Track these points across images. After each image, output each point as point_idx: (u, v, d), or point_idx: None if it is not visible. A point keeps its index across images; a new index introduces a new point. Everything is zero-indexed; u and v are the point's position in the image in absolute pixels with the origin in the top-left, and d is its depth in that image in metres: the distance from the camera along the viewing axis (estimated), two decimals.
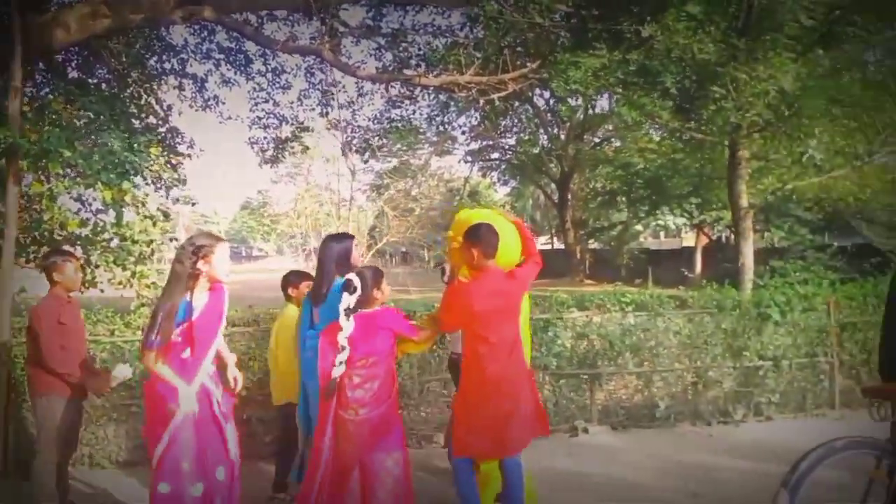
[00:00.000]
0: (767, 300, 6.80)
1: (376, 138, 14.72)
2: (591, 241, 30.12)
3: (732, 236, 23.31)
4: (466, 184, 32.78)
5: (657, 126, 9.67)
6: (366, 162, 15.40)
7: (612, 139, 23.28)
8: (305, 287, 4.68)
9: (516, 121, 22.71)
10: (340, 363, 3.64)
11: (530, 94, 14.80)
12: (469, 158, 26.40)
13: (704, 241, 25.00)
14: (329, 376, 3.64)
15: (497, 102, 12.36)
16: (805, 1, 6.60)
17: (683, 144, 10.51)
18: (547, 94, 17.03)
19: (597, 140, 24.64)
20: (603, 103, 18.19)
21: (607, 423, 6.40)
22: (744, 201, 8.82)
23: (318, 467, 3.65)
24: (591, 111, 19.92)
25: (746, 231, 8.75)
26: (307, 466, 3.82)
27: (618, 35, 7.04)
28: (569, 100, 9.23)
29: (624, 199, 21.96)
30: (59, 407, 4.03)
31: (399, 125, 14.99)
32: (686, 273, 21.87)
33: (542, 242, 46.54)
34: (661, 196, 18.47)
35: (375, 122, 14.73)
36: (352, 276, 3.77)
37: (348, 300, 3.67)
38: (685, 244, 29.96)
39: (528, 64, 8.98)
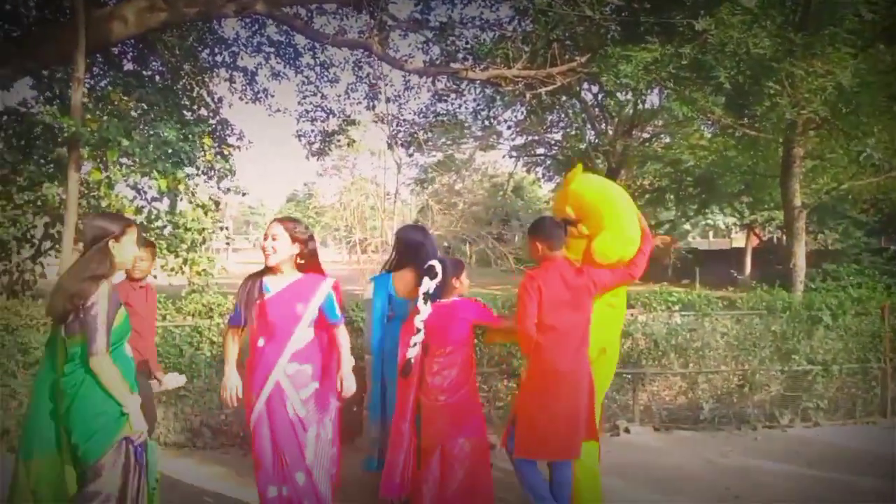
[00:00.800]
0: (819, 303, 6.61)
1: (422, 132, 14.79)
2: None
3: (784, 237, 22.70)
4: (511, 179, 32.63)
5: (709, 122, 9.45)
6: (411, 156, 15.51)
7: (662, 135, 22.84)
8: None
9: (563, 116, 22.48)
10: (415, 344, 3.81)
11: (578, 88, 14.65)
12: (514, 153, 26.22)
13: (755, 241, 24.40)
14: (405, 357, 3.82)
15: (544, 97, 12.29)
16: None
17: (736, 141, 10.24)
18: (595, 89, 16.82)
19: (646, 136, 24.20)
20: (653, 99, 17.87)
21: (650, 424, 6.32)
22: (797, 201, 8.57)
23: (399, 450, 3.80)
24: (640, 106, 19.53)
25: (799, 232, 8.50)
26: (386, 453, 3.93)
27: (670, 28, 6.91)
28: (618, 94, 9.09)
29: (672, 196, 21.56)
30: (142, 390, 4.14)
31: (444, 119, 15.04)
32: (735, 274, 21.38)
33: None
34: (711, 194, 18.06)
35: (421, 115, 14.85)
36: (434, 262, 3.92)
37: (428, 285, 3.85)
38: (735, 245, 29.29)
39: (577, 58, 8.90)
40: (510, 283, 19.56)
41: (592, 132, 24.58)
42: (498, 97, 17.08)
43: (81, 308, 2.92)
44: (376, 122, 14.65)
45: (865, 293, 7.02)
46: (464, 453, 3.75)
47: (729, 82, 6.59)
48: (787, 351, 6.62)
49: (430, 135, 16.67)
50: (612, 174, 25.72)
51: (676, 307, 6.62)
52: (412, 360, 3.81)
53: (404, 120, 14.37)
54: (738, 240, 28.93)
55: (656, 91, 13.19)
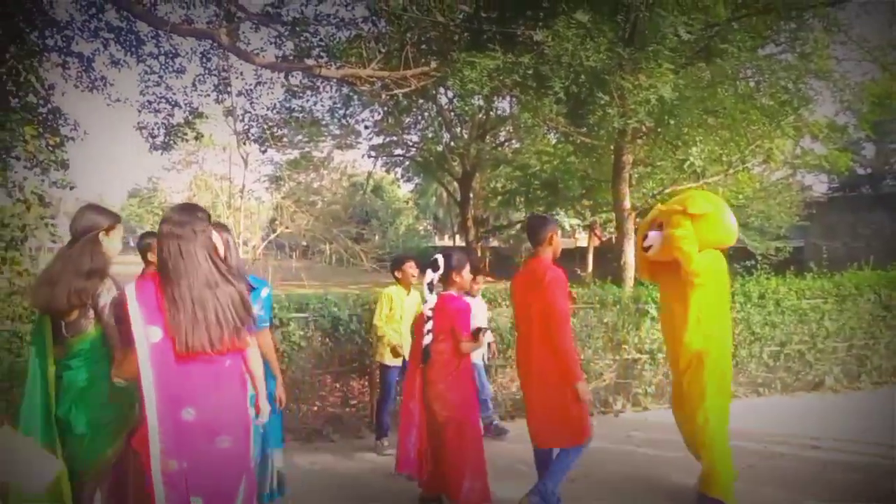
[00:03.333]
0: (645, 297, 7.23)
1: (275, 128, 14.41)
2: (491, 239, 30.74)
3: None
4: (370, 179, 32.61)
5: (553, 129, 10.01)
6: (264, 152, 15.06)
7: (513, 141, 23.81)
8: (409, 268, 5.68)
9: (420, 118, 22.81)
10: (428, 332, 4.22)
11: (434, 91, 14.94)
12: (373, 153, 26.23)
13: (596, 241, 26.08)
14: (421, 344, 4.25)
15: (400, 98, 12.43)
16: (685, 17, 7.03)
17: (575, 148, 10.93)
18: (450, 94, 17.25)
19: (498, 141, 25.10)
20: (504, 105, 18.59)
21: (495, 414, 6.60)
22: (627, 203, 9.29)
23: (411, 427, 4.25)
24: (492, 113, 20.25)
25: (629, 232, 9.23)
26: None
27: (512, 38, 7.26)
28: (469, 100, 9.40)
29: (522, 199, 22.51)
30: None
31: (299, 116, 14.75)
32: (578, 272, 22.74)
33: (444, 240, 47.11)
34: (556, 197, 19.10)
35: (275, 111, 14.44)
36: (438, 255, 4.39)
37: (431, 276, 4.29)
38: (579, 244, 31.10)
39: (431, 61, 9.10)
40: (370, 282, 19.55)
41: (448, 135, 25.13)
42: (355, 97, 17.05)
43: (90, 305, 2.92)
44: (226, 116, 14.12)
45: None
46: (457, 431, 4.11)
47: (564, 92, 7.03)
48: (618, 341, 7.18)
49: (284, 131, 16.29)
50: (466, 177, 26.51)
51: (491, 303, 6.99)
52: (428, 347, 4.21)
53: (256, 115, 13.94)
54: (583, 240, 30.74)
55: (508, 99, 13.75)
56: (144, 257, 4.46)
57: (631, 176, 11.20)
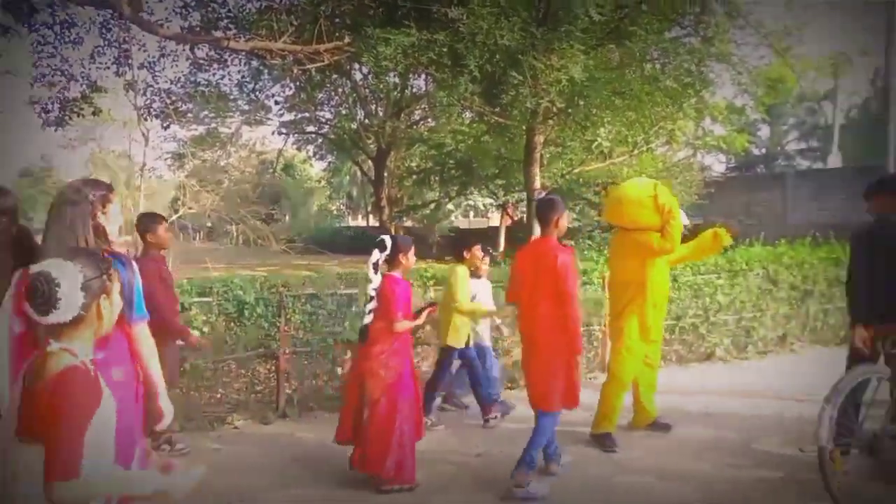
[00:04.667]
0: None
1: (179, 103, 13.76)
2: (405, 218, 30.66)
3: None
4: (280, 157, 31.78)
5: (468, 108, 10.05)
6: (166, 128, 14.36)
7: (428, 119, 23.73)
8: (477, 251, 5.85)
9: (333, 94, 22.34)
10: (369, 312, 4.32)
11: (348, 67, 14.64)
12: (283, 130, 25.53)
13: (508, 221, 26.50)
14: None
15: (313, 73, 12.09)
16: None
17: (488, 128, 11.00)
18: (365, 70, 16.97)
19: (413, 119, 24.95)
20: (420, 83, 18.45)
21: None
22: (537, 183, 9.45)
23: (351, 403, 4.42)
24: (408, 90, 20.07)
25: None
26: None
27: (427, 14, 7.19)
28: (387, 77, 9.27)
29: (437, 178, 22.55)
30: (172, 354, 4.72)
31: (205, 90, 14.15)
32: (491, 251, 23.11)
33: (358, 220, 46.68)
34: (470, 177, 19.22)
35: (179, 85, 13.79)
36: (385, 237, 4.49)
37: (377, 256, 4.37)
38: (493, 224, 31.55)
39: (346, 36, 8.88)
40: (279, 264, 19.10)
41: (362, 112, 24.78)
42: (265, 70, 16.46)
43: None
44: (127, 90, 13.34)
45: (590, 265, 8.03)
46: (388, 409, 4.27)
47: (479, 71, 7.04)
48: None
49: (189, 106, 15.60)
50: (381, 155, 26.29)
51: (431, 282, 7.01)
52: (367, 327, 4.33)
53: (159, 89, 13.25)
54: (496, 219, 31.19)
55: (423, 76, 13.66)
56: (144, 238, 4.84)
57: (542, 156, 11.42)
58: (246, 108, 19.85)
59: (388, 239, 4.44)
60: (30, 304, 1.90)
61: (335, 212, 48.86)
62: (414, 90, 20.27)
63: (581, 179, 14.07)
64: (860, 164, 22.26)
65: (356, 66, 14.99)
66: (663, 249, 5.06)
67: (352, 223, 46.73)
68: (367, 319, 4.33)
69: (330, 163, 35.78)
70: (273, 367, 6.31)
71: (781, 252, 9.04)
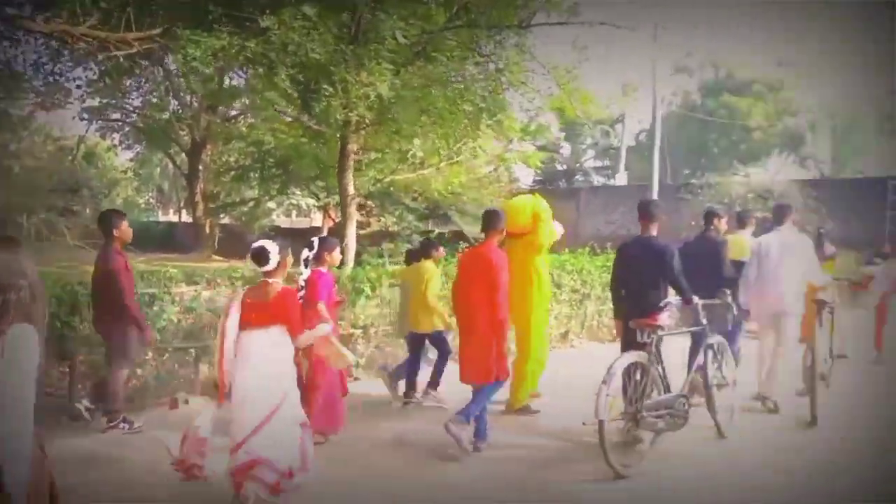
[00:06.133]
0: (362, 277, 7.83)
1: None
2: (222, 215, 29.56)
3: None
4: (82, 144, 29.33)
5: (283, 113, 10.18)
6: None
7: (248, 115, 23.17)
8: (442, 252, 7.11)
9: (143, 81, 21.13)
10: (300, 299, 4.76)
11: (162, 54, 14.02)
12: (86, 116, 23.68)
13: (330, 222, 26.65)
14: None
15: (121, 59, 11.46)
16: (402, 22, 7.71)
17: (303, 132, 11.22)
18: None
19: (232, 114, 24.21)
20: (240, 78, 18.02)
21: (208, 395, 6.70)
22: (350, 189, 9.86)
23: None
24: (226, 84, 19.54)
25: (351, 215, 9.81)
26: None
27: (239, 21, 7.30)
28: (196, 76, 9.14)
29: (257, 175, 22.13)
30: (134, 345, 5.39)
31: None
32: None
33: (170, 215, 44.12)
34: (290, 176, 19.16)
35: None
36: (315, 238, 5.25)
37: (306, 254, 5.08)
38: (315, 224, 31.46)
39: (155, 27, 8.60)
40: (75, 261, 17.71)
41: (176, 102, 23.67)
42: (66, 52, 15.23)
43: None
44: None
45: (398, 269, 8.56)
46: (326, 381, 5.00)
47: (290, 80, 7.29)
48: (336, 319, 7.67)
49: None
50: (196, 148, 25.26)
51: (240, 283, 7.11)
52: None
53: None
54: (318, 220, 31.16)
55: (245, 70, 13.46)
56: (110, 233, 5.31)
57: (359, 162, 11.84)
58: (42, 89, 18.19)
59: (316, 240, 5.22)
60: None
61: (143, 205, 45.71)
62: (233, 83, 19.80)
63: (393, 188, 14.67)
64: (640, 183, 25.20)
65: (170, 55, 14.40)
66: (540, 245, 6.17)
67: (162, 217, 44.05)
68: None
69: (138, 153, 33.59)
70: (67, 368, 6.10)
71: (564, 259, 10.23)
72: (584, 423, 4.88)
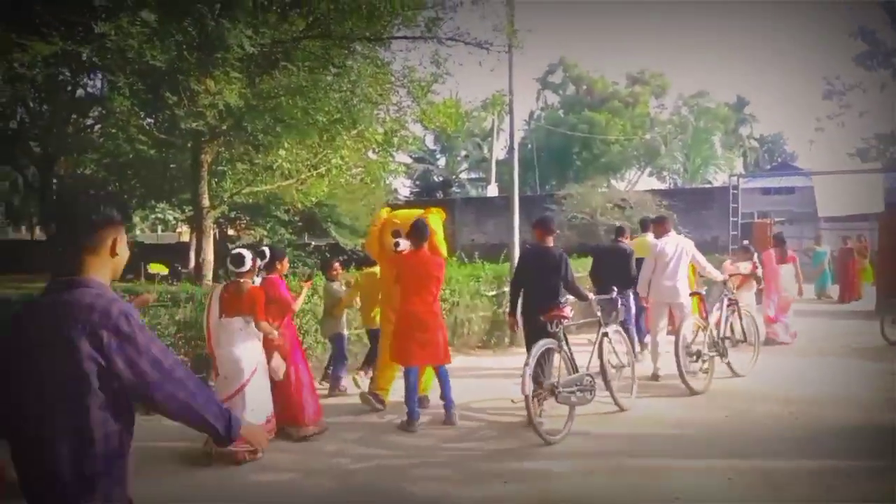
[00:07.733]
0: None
1: None
2: None
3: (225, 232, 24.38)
4: None
5: (124, 123, 9.66)
6: None
7: (105, 124, 21.81)
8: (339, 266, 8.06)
9: None
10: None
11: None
12: None
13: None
14: None
15: None
16: (250, 30, 7.61)
17: (153, 143, 10.78)
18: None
19: (88, 122, 22.70)
20: (96, 84, 16.93)
21: None
22: (205, 202, 9.54)
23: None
24: (81, 92, 18.33)
25: (207, 229, 9.50)
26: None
27: (71, 26, 6.93)
28: (23, 84, 8.53)
29: (116, 188, 20.88)
30: None
31: None
32: (179, 268, 22.00)
33: (22, 232, 40.66)
34: (150, 189, 18.27)
35: None
36: (265, 248, 6.02)
37: (260, 263, 5.67)
38: (183, 239, 30.12)
39: None
40: None
41: (24, 110, 21.95)
42: None
43: None
44: None
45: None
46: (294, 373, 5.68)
47: (129, 89, 7.01)
48: (191, 338, 7.39)
49: None
50: (48, 159, 23.51)
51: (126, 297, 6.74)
52: None
53: None
54: (186, 234, 29.86)
55: (100, 78, 12.68)
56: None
57: (223, 172, 11.47)
58: None
59: (267, 251, 5.89)
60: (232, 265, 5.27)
61: None
62: (90, 90, 18.58)
63: (253, 199, 14.27)
64: (508, 195, 26.08)
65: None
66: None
67: (13, 235, 40.56)
68: None
69: None
70: None
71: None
72: (512, 401, 5.82)
